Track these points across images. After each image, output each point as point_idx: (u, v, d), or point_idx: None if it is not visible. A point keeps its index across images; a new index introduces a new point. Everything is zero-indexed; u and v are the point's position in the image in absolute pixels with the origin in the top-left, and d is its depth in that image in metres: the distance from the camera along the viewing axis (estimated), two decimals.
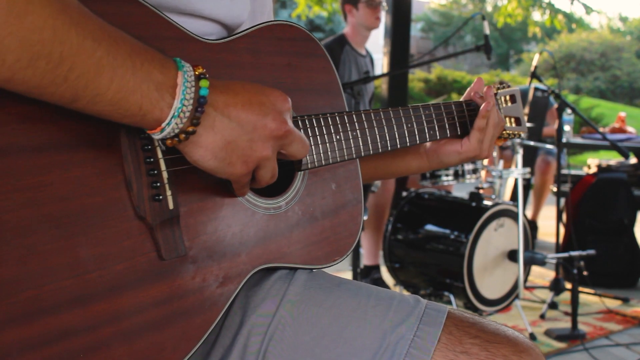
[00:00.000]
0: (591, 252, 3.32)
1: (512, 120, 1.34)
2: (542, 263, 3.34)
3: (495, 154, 3.66)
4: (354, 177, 1.10)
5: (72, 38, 0.64)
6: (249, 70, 0.95)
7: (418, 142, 1.13)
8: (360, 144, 1.04)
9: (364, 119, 1.05)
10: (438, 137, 1.16)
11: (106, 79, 0.67)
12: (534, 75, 3.59)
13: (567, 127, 4.47)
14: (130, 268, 0.77)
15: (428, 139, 1.15)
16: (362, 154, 1.05)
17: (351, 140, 1.03)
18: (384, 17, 4.21)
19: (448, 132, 1.18)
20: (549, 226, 5.01)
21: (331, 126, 1.00)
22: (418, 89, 16.96)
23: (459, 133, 1.20)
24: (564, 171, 4.21)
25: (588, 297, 3.94)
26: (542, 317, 3.54)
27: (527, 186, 5.23)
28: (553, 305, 3.68)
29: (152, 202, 0.79)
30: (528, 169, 3.34)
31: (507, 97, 1.33)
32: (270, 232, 0.95)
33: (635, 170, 4.75)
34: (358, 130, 1.04)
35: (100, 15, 0.70)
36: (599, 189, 4.37)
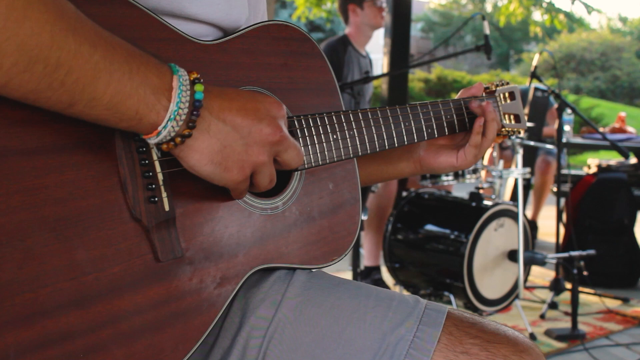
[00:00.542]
0: (591, 252, 3.32)
1: (512, 117, 1.34)
2: (542, 263, 3.33)
3: (495, 154, 3.66)
4: (351, 176, 1.10)
5: (70, 43, 0.64)
6: (244, 71, 0.95)
7: (416, 140, 1.13)
8: (358, 143, 1.04)
9: (360, 118, 1.05)
10: (436, 136, 1.16)
11: (103, 84, 0.67)
12: (534, 75, 3.59)
13: (567, 127, 4.46)
14: (127, 270, 0.76)
15: (426, 138, 1.14)
16: (360, 153, 1.04)
17: (348, 139, 1.03)
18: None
19: (446, 130, 1.17)
20: (549, 226, 5.01)
21: (328, 126, 1.00)
22: (418, 89, 16.96)
23: (457, 131, 1.19)
24: (564, 171, 4.21)
25: (588, 297, 3.94)
26: (542, 317, 3.54)
27: (527, 186, 5.23)
28: (553, 305, 3.68)
29: (147, 204, 0.79)
30: (528, 169, 3.34)
31: (507, 94, 1.32)
32: (268, 233, 0.95)
33: (635, 170, 4.75)
34: (355, 130, 1.03)
35: (94, 16, 0.70)
36: (599, 189, 4.37)
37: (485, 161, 4.73)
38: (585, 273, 3.26)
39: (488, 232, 3.23)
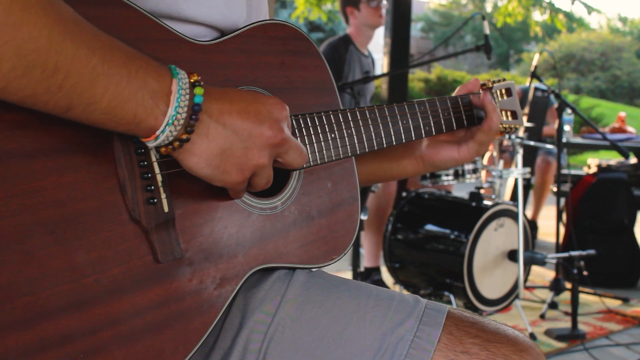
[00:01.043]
0: (591, 252, 3.32)
1: (509, 113, 1.33)
2: (542, 263, 3.33)
3: (495, 153, 3.66)
4: (350, 175, 1.10)
5: (68, 47, 0.64)
6: (242, 70, 0.95)
7: (414, 138, 1.13)
8: (356, 141, 1.04)
9: (358, 117, 1.04)
10: (434, 133, 1.16)
11: (101, 88, 0.67)
12: (534, 75, 3.59)
13: (567, 127, 4.46)
14: (126, 272, 0.76)
15: (424, 135, 1.14)
16: (358, 151, 1.04)
17: (346, 138, 1.02)
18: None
19: (444, 127, 1.17)
20: (549, 226, 5.01)
21: (326, 125, 1.00)
22: (418, 89, 16.96)
23: (455, 128, 1.19)
24: (564, 171, 4.21)
25: (588, 297, 3.94)
26: (542, 317, 3.54)
27: (527, 186, 5.23)
28: (553, 305, 3.68)
29: (146, 206, 0.78)
30: (528, 169, 3.34)
31: (503, 91, 1.32)
32: (267, 233, 0.95)
33: (635, 170, 4.75)
34: (353, 128, 1.03)
35: (91, 18, 0.70)
36: (599, 189, 4.36)
37: (485, 161, 4.73)
38: (585, 273, 3.26)
39: (488, 232, 3.23)
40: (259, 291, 0.94)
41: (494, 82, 1.30)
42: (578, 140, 4.84)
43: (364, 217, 3.75)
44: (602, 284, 4.06)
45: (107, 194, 0.76)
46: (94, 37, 0.67)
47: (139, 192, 0.78)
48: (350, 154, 1.03)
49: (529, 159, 5.07)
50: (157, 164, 0.81)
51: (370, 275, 3.80)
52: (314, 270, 1.02)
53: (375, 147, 1.07)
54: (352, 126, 1.03)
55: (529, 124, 3.59)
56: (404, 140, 1.11)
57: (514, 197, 4.01)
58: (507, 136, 3.31)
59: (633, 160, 4.68)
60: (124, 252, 0.76)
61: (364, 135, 1.05)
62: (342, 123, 1.02)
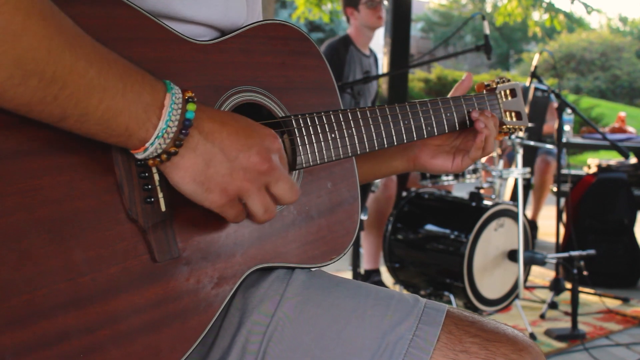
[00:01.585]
0: (591, 252, 3.32)
1: (513, 114, 1.33)
2: (542, 263, 3.33)
3: (495, 154, 3.65)
4: (350, 175, 1.09)
5: (66, 58, 0.65)
6: (242, 70, 0.94)
7: (415, 138, 1.12)
8: (356, 141, 1.03)
9: (359, 116, 1.04)
10: (436, 134, 1.15)
11: (96, 99, 0.67)
12: (534, 75, 3.59)
13: (567, 127, 4.46)
14: (123, 271, 0.76)
15: (425, 136, 1.14)
16: (358, 151, 1.04)
17: (347, 138, 1.02)
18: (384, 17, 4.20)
19: (446, 128, 1.17)
20: (549, 226, 5.00)
21: (326, 125, 0.99)
22: (418, 89, 16.96)
23: (457, 129, 1.19)
24: (564, 171, 4.20)
25: (588, 297, 3.94)
26: (542, 317, 3.54)
27: (527, 186, 5.23)
28: (553, 305, 3.68)
29: (144, 205, 0.78)
30: (528, 169, 3.34)
31: (507, 91, 1.31)
32: (266, 232, 0.94)
33: (635, 170, 4.74)
34: (353, 128, 1.03)
35: (89, 17, 0.70)
36: (599, 189, 4.36)
37: (485, 161, 4.73)
38: (585, 273, 3.26)
39: (488, 232, 3.22)
40: (258, 290, 0.94)
41: (498, 82, 1.29)
42: (578, 140, 4.84)
43: (363, 217, 3.75)
44: (602, 284, 4.06)
45: (104, 193, 0.76)
46: (92, 50, 0.68)
47: (136, 191, 0.78)
48: (350, 154, 1.03)
49: (529, 159, 5.07)
50: None
51: (370, 277, 3.79)
52: (313, 270, 1.02)
53: (376, 147, 1.07)
54: (352, 126, 1.03)
55: (529, 124, 3.58)
56: (405, 141, 1.11)
57: (514, 197, 4.01)
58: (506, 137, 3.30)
59: (633, 160, 4.68)
60: (121, 251, 0.76)
61: (364, 135, 1.04)
62: (343, 123, 1.02)
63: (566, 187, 4.21)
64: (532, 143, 3.82)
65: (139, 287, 0.77)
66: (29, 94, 0.64)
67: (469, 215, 3.25)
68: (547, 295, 3.88)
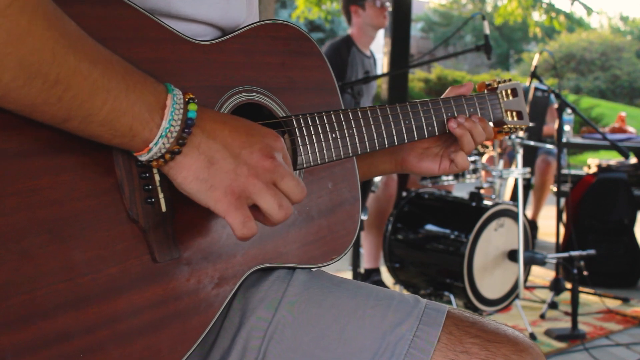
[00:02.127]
0: (591, 252, 3.32)
1: (514, 114, 1.33)
2: (542, 263, 3.33)
3: (495, 153, 3.65)
4: (351, 175, 1.09)
5: (70, 60, 0.65)
6: (242, 71, 0.94)
7: (416, 138, 1.12)
8: (357, 142, 1.03)
9: (360, 116, 1.04)
10: (437, 133, 1.15)
11: (100, 100, 0.68)
12: (534, 75, 3.59)
13: (567, 127, 4.46)
14: (123, 271, 0.76)
15: (426, 135, 1.14)
16: (359, 151, 1.04)
17: (347, 138, 1.02)
18: None
19: (447, 128, 1.17)
20: (549, 226, 5.00)
21: (326, 125, 0.99)
22: (418, 89, 16.95)
23: None
24: (564, 171, 4.20)
25: (588, 297, 3.94)
26: (542, 317, 3.54)
27: (527, 186, 5.23)
28: (553, 305, 3.67)
29: (144, 205, 0.78)
30: (528, 169, 3.34)
31: (509, 91, 1.31)
32: (266, 232, 0.94)
33: (635, 170, 4.74)
34: (354, 128, 1.03)
35: (90, 18, 0.71)
36: (599, 189, 4.36)
37: (485, 161, 4.73)
38: (585, 273, 3.25)
39: (488, 232, 3.22)
40: (259, 291, 0.94)
41: (499, 82, 1.29)
42: (578, 140, 4.83)
43: (364, 217, 3.75)
44: (602, 284, 4.05)
45: (104, 193, 0.75)
46: (95, 51, 0.69)
47: (136, 192, 0.78)
48: (351, 154, 1.03)
49: (529, 159, 5.07)
50: None
51: (370, 277, 3.79)
52: (314, 270, 1.02)
53: (377, 147, 1.06)
54: (353, 126, 1.03)
55: (530, 124, 3.58)
56: (406, 141, 1.11)
57: (514, 197, 4.01)
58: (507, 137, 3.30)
59: (633, 160, 4.68)
60: (121, 252, 0.76)
61: (365, 135, 1.04)
62: (344, 123, 1.01)
63: (566, 187, 4.22)
64: (532, 143, 3.82)
65: (139, 288, 0.77)
66: (33, 95, 0.64)
67: (469, 215, 3.24)
68: (547, 295, 3.88)
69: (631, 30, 39.44)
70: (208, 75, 0.90)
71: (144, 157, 0.74)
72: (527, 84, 3.97)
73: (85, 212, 0.73)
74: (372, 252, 3.87)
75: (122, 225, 0.77)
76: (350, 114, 1.03)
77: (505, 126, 1.29)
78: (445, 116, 1.16)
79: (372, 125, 1.05)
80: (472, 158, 3.42)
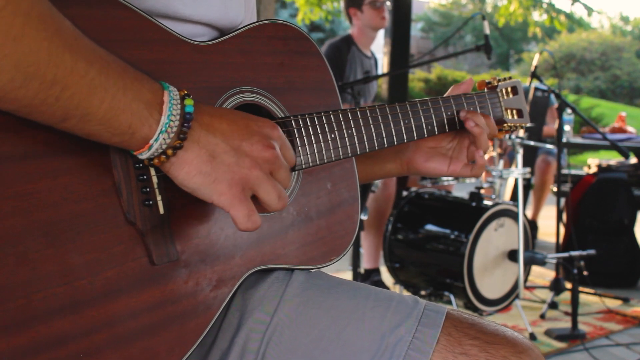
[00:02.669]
0: (591, 252, 3.31)
1: (514, 112, 1.32)
2: (542, 263, 3.33)
3: (495, 153, 3.65)
4: (350, 175, 1.09)
5: (66, 60, 0.65)
6: (241, 71, 0.94)
7: (416, 138, 1.12)
8: (356, 142, 1.03)
9: (359, 116, 1.03)
10: (436, 133, 1.14)
11: (98, 99, 0.68)
12: (534, 75, 3.58)
13: (567, 127, 4.46)
14: (121, 274, 0.76)
15: (426, 135, 1.13)
16: (358, 152, 1.03)
17: (346, 138, 1.01)
18: None
19: (447, 127, 1.16)
20: (549, 226, 5.00)
21: (325, 125, 0.99)
22: (418, 89, 16.95)
23: (458, 128, 1.18)
24: (564, 171, 4.20)
25: (588, 297, 3.94)
26: (542, 317, 3.54)
27: (527, 186, 5.22)
28: (553, 305, 3.67)
29: (142, 208, 0.78)
30: (528, 169, 3.33)
31: (509, 89, 1.31)
32: (265, 234, 0.94)
33: (636, 170, 4.74)
34: (353, 128, 1.02)
35: (87, 19, 0.71)
36: (599, 189, 4.36)
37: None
38: (585, 273, 3.25)
39: (488, 232, 3.22)
40: (258, 292, 0.94)
41: (499, 80, 1.29)
42: (578, 140, 4.83)
43: (363, 217, 3.74)
44: (602, 284, 4.05)
45: (102, 196, 0.75)
46: (91, 50, 0.68)
47: (134, 194, 0.77)
48: (350, 154, 1.02)
49: (529, 159, 5.07)
50: (154, 167, 0.80)
51: (370, 277, 3.79)
52: (312, 271, 1.02)
53: (376, 147, 1.06)
54: (352, 126, 1.02)
55: (529, 124, 3.58)
56: (405, 140, 1.10)
57: (514, 197, 4.00)
58: (507, 136, 3.30)
59: (633, 160, 4.68)
60: (119, 254, 0.76)
61: (364, 135, 1.04)
62: (343, 123, 1.01)
63: (566, 187, 4.21)
64: (532, 143, 3.81)
65: (136, 290, 0.77)
66: (30, 96, 0.64)
67: (469, 215, 3.24)
68: (547, 295, 3.88)
69: (632, 30, 39.41)
70: (206, 76, 0.89)
71: (144, 155, 0.74)
72: (527, 84, 3.97)
73: (82, 215, 0.73)
74: (371, 252, 3.86)
75: (120, 227, 0.76)
76: (349, 114, 1.02)
77: (505, 124, 1.28)
78: (445, 115, 1.15)
79: (372, 125, 1.05)
80: None
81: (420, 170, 1.20)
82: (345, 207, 1.07)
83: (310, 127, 0.97)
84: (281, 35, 1.01)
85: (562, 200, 3.95)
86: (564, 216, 4.29)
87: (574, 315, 3.16)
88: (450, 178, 3.52)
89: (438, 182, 3.56)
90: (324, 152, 0.98)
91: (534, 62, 3.60)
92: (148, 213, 0.79)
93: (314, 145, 0.97)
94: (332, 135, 0.99)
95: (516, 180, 3.32)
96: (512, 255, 3.32)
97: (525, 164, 3.54)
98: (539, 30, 10.74)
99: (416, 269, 3.52)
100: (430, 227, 3.46)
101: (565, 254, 3.32)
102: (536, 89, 4.43)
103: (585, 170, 4.87)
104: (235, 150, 0.77)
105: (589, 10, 34.60)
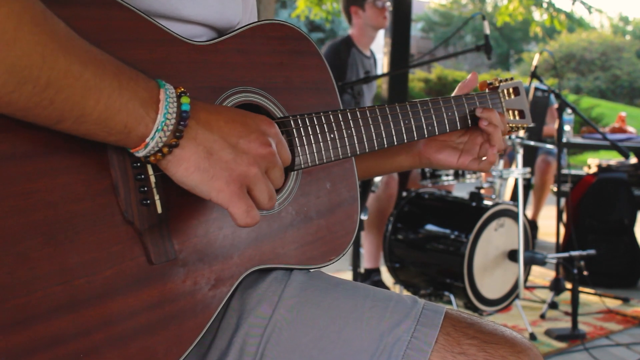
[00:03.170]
0: (591, 252, 3.31)
1: (516, 112, 1.32)
2: (542, 263, 3.33)
3: None
4: (349, 175, 1.09)
5: (60, 63, 0.65)
6: (239, 71, 0.94)
7: (416, 138, 1.12)
8: (356, 142, 1.03)
9: (358, 116, 1.03)
10: (437, 133, 1.15)
11: (93, 100, 0.67)
12: (534, 75, 3.58)
13: (567, 127, 4.45)
14: (119, 273, 0.76)
15: (426, 135, 1.13)
16: (358, 152, 1.03)
17: (346, 138, 1.01)
18: None
19: (447, 127, 1.16)
20: (549, 226, 5.00)
21: (325, 125, 0.99)
22: (418, 89, 16.94)
23: (459, 127, 1.18)
24: (564, 171, 4.20)
25: (588, 297, 3.94)
26: (543, 317, 3.54)
27: (527, 186, 5.22)
28: (553, 305, 3.67)
29: (140, 207, 0.78)
30: (528, 169, 3.33)
31: (511, 90, 1.31)
32: (263, 233, 0.94)
33: (635, 170, 4.74)
34: (353, 129, 1.02)
35: (84, 20, 0.70)
36: (599, 189, 4.36)
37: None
38: (585, 273, 3.25)
39: (488, 232, 3.22)
40: (256, 292, 0.94)
41: (501, 81, 1.29)
42: (578, 140, 4.83)
43: (364, 217, 3.74)
44: (602, 284, 4.05)
45: (100, 195, 0.75)
46: (85, 51, 0.68)
47: (132, 194, 0.77)
48: (350, 154, 1.02)
49: (529, 159, 5.07)
50: (151, 165, 0.80)
51: (370, 277, 3.79)
52: (312, 271, 1.02)
53: (376, 148, 1.06)
54: (352, 126, 1.02)
55: (532, 124, 3.58)
56: (405, 140, 1.10)
57: (514, 197, 4.00)
58: (507, 136, 3.30)
59: (633, 160, 4.68)
60: (117, 254, 0.76)
61: (364, 135, 1.04)
62: (342, 123, 1.01)
63: (566, 187, 4.21)
64: (532, 143, 3.81)
65: (134, 290, 0.77)
66: (24, 100, 0.64)
67: (469, 215, 3.24)
68: (547, 295, 3.88)
69: (632, 30, 39.40)
70: (205, 76, 0.89)
71: (140, 153, 0.74)
72: (527, 84, 3.97)
73: (80, 214, 0.73)
74: (372, 252, 3.86)
75: (118, 227, 0.76)
76: (348, 114, 1.02)
77: (507, 125, 1.28)
78: (446, 115, 1.16)
79: (371, 126, 1.05)
80: None
81: (431, 161, 1.22)
82: (345, 207, 1.07)
83: (309, 127, 0.97)
84: (280, 35, 1.01)
85: (562, 200, 3.95)
86: (564, 216, 4.29)
87: (574, 315, 3.16)
88: (450, 178, 3.52)
89: (438, 182, 3.56)
90: (323, 152, 0.98)
91: (534, 62, 3.60)
92: (146, 212, 0.79)
93: (313, 145, 0.97)
94: (332, 135, 0.99)
95: (516, 180, 3.32)
96: (512, 255, 3.31)
97: (525, 164, 3.54)
98: (540, 30, 10.74)
99: (416, 269, 3.52)
100: (430, 227, 3.46)
101: (565, 254, 3.32)
102: (536, 89, 4.43)
103: (585, 170, 4.87)
104: (232, 147, 0.77)
105: (589, 9, 34.58)
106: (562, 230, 4.25)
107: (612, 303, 3.85)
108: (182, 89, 0.76)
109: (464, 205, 3.40)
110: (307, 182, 1.02)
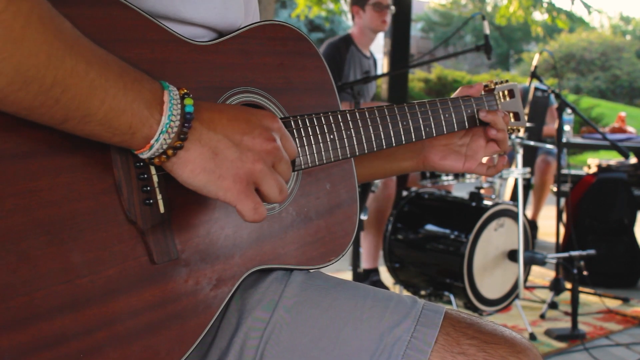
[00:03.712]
0: (591, 252, 3.31)
1: (511, 115, 1.33)
2: (542, 263, 3.33)
3: (495, 154, 3.64)
4: (349, 176, 1.09)
5: (66, 62, 0.65)
6: (240, 71, 0.94)
7: (414, 139, 1.12)
8: (355, 143, 1.03)
9: (358, 117, 1.04)
10: (434, 135, 1.15)
11: (98, 100, 0.68)
12: (534, 75, 3.59)
13: (567, 127, 4.46)
14: (122, 272, 0.76)
15: (424, 137, 1.14)
16: (357, 153, 1.04)
17: (345, 139, 1.02)
18: None
19: (445, 129, 1.17)
20: (549, 226, 5.00)
21: (324, 125, 0.99)
22: (418, 89, 16.95)
23: (456, 129, 1.19)
24: (564, 171, 4.20)
25: (588, 297, 3.94)
26: (542, 317, 3.54)
27: (527, 186, 5.22)
28: (553, 305, 3.67)
29: (142, 206, 0.78)
30: (528, 169, 3.33)
31: (506, 92, 1.31)
32: (264, 234, 0.94)
33: (635, 170, 4.74)
34: (352, 130, 1.03)
35: (88, 19, 0.71)
36: (599, 189, 4.36)
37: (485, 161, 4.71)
38: (585, 273, 3.25)
39: (488, 232, 3.22)
40: (257, 292, 0.94)
41: (496, 83, 1.29)
42: (578, 140, 4.83)
43: (363, 217, 3.74)
44: (602, 284, 4.05)
45: (103, 194, 0.75)
46: (91, 51, 0.68)
47: (135, 193, 0.78)
48: (349, 155, 1.03)
49: (529, 159, 5.06)
50: (154, 165, 0.80)
51: (369, 277, 3.79)
52: (311, 271, 1.02)
53: (375, 149, 1.06)
54: (351, 127, 1.03)
55: (529, 124, 3.58)
56: (404, 142, 1.11)
57: (514, 197, 4.01)
58: None
59: (633, 160, 4.68)
60: (120, 253, 0.76)
61: (363, 136, 1.04)
62: (342, 124, 1.01)
63: (566, 187, 4.21)
64: (532, 143, 3.81)
65: (137, 289, 0.77)
66: (30, 99, 0.64)
67: (469, 215, 3.24)
68: (547, 295, 3.88)
69: (633, 30, 39.39)
70: (206, 77, 0.90)
71: (145, 155, 0.74)
72: (527, 84, 3.97)
73: (83, 213, 0.73)
74: (371, 252, 3.86)
75: (121, 226, 0.77)
76: (348, 115, 1.03)
77: None
78: (443, 117, 1.16)
79: (370, 127, 1.05)
80: None
81: (436, 168, 1.23)
82: (344, 208, 1.07)
83: (309, 128, 0.97)
84: (280, 36, 1.01)
85: (562, 200, 3.95)
86: (564, 216, 4.29)
87: (574, 315, 3.16)
88: (450, 178, 3.52)
89: (438, 182, 3.57)
90: (323, 153, 0.99)
91: (534, 62, 3.60)
92: (148, 212, 0.79)
93: (313, 145, 0.98)
94: (332, 136, 1.00)
95: (516, 180, 3.32)
96: (512, 255, 3.32)
97: (525, 164, 3.54)
98: (540, 30, 10.74)
99: (416, 269, 3.52)
100: (430, 227, 3.46)
101: (565, 254, 3.32)
102: (536, 89, 4.43)
103: (585, 170, 4.86)
104: (237, 145, 0.78)
105: (589, 9, 34.58)
106: (562, 230, 4.25)
107: (612, 303, 3.85)
108: (185, 90, 0.76)
109: (463, 205, 3.41)
110: (307, 183, 1.02)
